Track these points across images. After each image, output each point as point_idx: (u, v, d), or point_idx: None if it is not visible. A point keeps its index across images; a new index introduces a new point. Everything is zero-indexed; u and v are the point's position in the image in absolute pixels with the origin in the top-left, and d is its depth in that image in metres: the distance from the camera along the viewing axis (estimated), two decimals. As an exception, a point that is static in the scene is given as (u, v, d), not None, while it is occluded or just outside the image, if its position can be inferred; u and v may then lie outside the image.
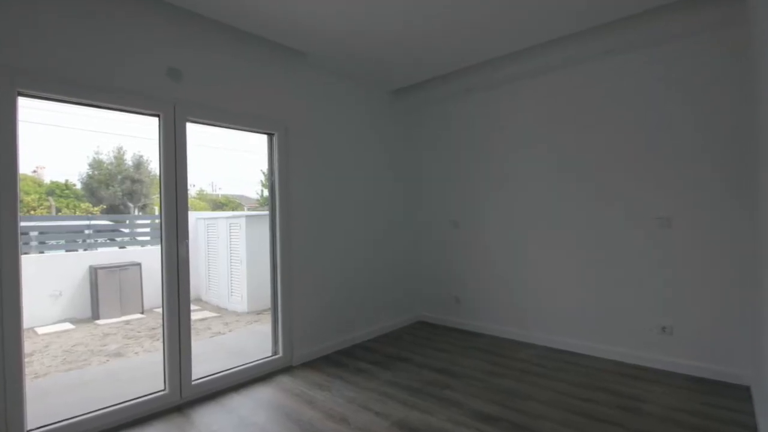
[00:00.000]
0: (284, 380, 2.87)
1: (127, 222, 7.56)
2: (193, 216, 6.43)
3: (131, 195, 10.68)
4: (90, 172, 10.56)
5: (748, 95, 2.49)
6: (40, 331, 4.71)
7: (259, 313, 5.39)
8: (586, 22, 2.73)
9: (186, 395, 2.53)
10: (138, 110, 2.39)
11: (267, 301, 3.31)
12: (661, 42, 2.80)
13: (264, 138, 3.13)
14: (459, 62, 3.39)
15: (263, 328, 4.55)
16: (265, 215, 4.09)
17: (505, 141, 3.67)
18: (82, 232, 5.92)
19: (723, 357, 2.65)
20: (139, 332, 4.67)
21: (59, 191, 10.73)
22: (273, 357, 3.07)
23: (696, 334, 2.74)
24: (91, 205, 10.35)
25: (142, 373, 3.24)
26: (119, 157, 10.89)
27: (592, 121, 3.17)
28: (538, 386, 2.66)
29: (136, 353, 3.95)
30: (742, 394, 2.47)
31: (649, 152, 2.91)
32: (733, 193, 2.60)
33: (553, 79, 3.35)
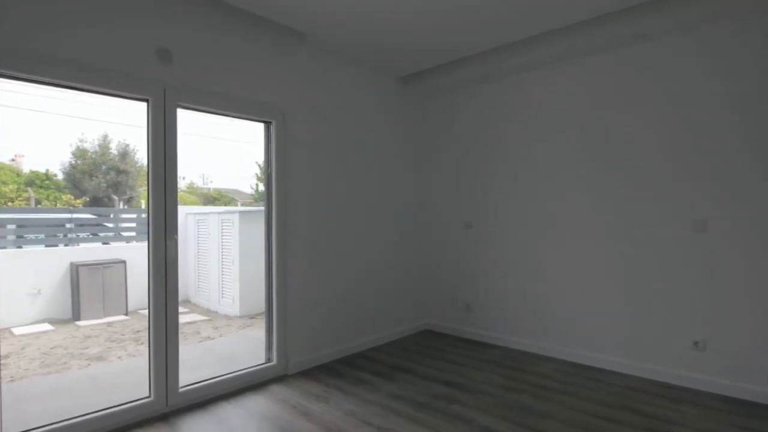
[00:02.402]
0: (278, 390, 2.89)
1: (112, 216, 7.65)
2: (182, 211, 6.48)
3: (116, 187, 10.79)
4: (73, 162, 10.67)
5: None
6: (17, 331, 4.79)
7: (252, 317, 5.43)
8: (617, 2, 2.71)
9: (172, 403, 2.56)
10: (125, 94, 2.42)
11: (261, 305, 3.33)
12: (697, 26, 2.77)
13: (260, 127, 3.15)
14: (475, 46, 3.37)
15: (256, 333, 4.58)
16: (260, 211, 4.11)
17: (524, 134, 3.66)
18: (63, 226, 6.00)
19: (762, 376, 2.62)
20: (122, 335, 4.73)
21: (39, 182, 10.87)
22: (266, 364, 3.10)
23: (732, 350, 2.72)
24: (73, 198, 10.47)
25: (125, 379, 3.29)
26: (104, 145, 11.00)
27: (618, 114, 3.14)
28: (556, 403, 2.65)
29: (119, 357, 4.00)
30: (782, 417, 2.44)
31: (683, 148, 2.88)
32: (778, 194, 2.57)
33: (577, 67, 3.33)
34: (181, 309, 4.51)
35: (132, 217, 7.41)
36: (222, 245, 5.79)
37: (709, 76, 2.78)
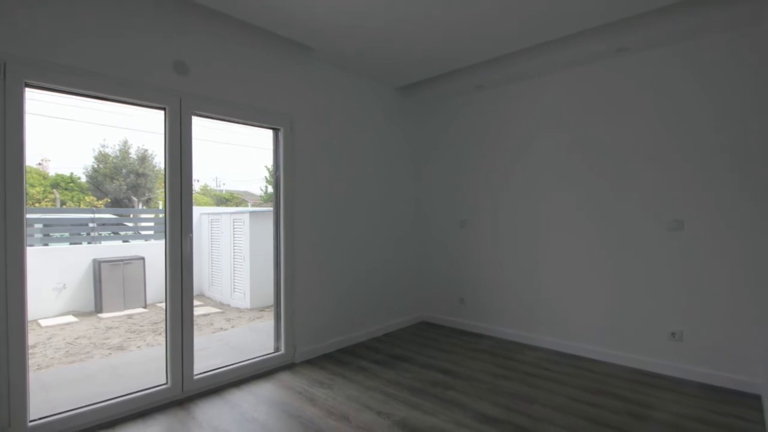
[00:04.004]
0: (286, 377, 2.90)
1: (131, 216, 7.67)
2: (197, 211, 6.50)
3: (135, 189, 10.81)
4: (95, 166, 10.70)
5: None
6: (44, 323, 4.80)
7: (261, 309, 5.44)
8: (607, 16, 2.70)
9: (187, 389, 2.57)
10: (144, 103, 2.43)
11: (270, 298, 3.34)
12: (680, 39, 2.77)
13: (269, 133, 3.16)
14: (471, 58, 3.37)
15: (265, 324, 4.59)
16: (269, 211, 4.13)
17: (516, 139, 3.66)
18: (87, 225, 6.02)
19: (734, 364, 2.63)
20: (141, 326, 4.74)
21: (64, 184, 10.89)
22: (275, 354, 3.11)
23: (707, 340, 2.73)
24: (95, 199, 10.49)
25: (144, 367, 3.30)
26: (124, 150, 11.02)
27: (605, 120, 3.15)
28: (544, 390, 2.66)
29: (138, 347, 4.01)
30: (753, 402, 2.45)
31: (665, 153, 2.89)
32: (751, 195, 2.58)
33: (566, 75, 3.34)
34: (195, 302, 4.52)
35: (150, 217, 7.42)
36: (234, 243, 5.80)
37: (692, 84, 2.79)
